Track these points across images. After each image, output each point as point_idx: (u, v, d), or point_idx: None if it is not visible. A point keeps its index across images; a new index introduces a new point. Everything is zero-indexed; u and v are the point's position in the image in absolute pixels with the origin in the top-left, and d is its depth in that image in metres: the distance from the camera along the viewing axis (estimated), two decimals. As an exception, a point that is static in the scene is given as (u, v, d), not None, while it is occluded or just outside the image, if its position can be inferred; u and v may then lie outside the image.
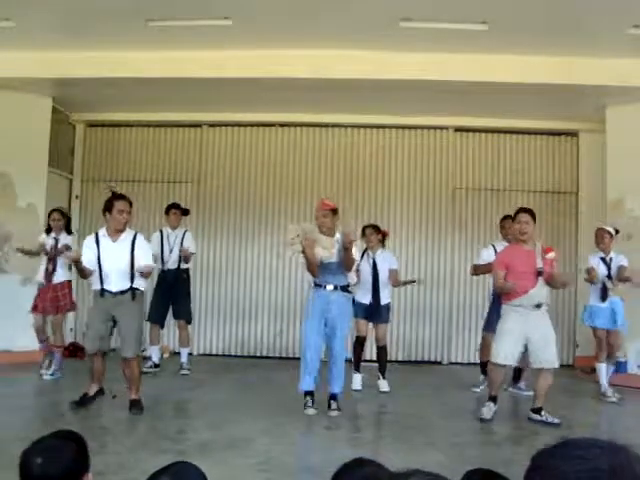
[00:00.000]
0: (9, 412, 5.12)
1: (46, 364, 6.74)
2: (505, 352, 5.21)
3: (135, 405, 5.24)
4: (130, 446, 4.23)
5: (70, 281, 6.95)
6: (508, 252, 5.56)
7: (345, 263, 5.31)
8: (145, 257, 5.32)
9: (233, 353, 8.69)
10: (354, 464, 1.57)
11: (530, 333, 5.17)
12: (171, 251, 7.20)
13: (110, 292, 5.24)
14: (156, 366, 7.21)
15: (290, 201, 8.78)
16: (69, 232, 6.99)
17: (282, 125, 8.87)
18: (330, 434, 4.92)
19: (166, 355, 8.30)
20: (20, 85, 7.27)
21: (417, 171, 8.80)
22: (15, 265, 7.41)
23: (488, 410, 5.27)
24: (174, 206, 7.41)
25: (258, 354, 8.66)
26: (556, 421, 5.11)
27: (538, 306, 5.19)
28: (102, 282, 5.23)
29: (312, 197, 8.63)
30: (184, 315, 7.34)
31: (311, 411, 5.37)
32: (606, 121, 7.54)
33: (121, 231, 5.29)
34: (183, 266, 7.23)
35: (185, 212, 7.48)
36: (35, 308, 6.75)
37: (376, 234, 6.64)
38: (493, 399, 5.35)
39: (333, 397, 5.49)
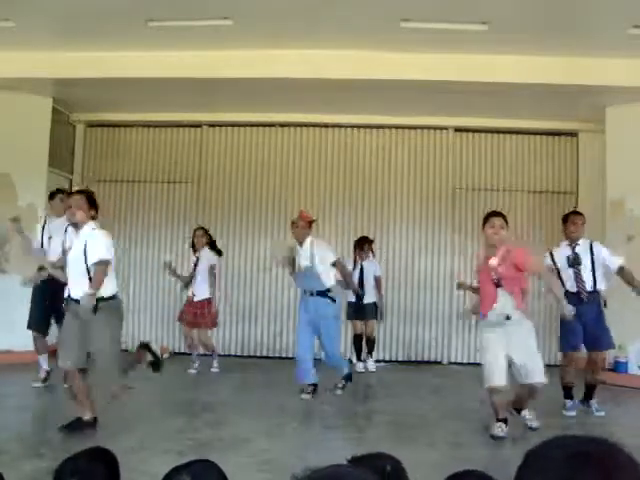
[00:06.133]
0: (9, 412, 5.12)
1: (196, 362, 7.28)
2: (499, 374, 4.74)
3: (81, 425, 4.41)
4: (130, 446, 4.22)
5: (210, 299, 7.19)
6: (482, 261, 4.93)
7: (344, 279, 6.31)
8: (95, 251, 4.33)
9: (233, 353, 8.69)
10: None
11: (511, 349, 4.72)
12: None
13: (73, 300, 4.39)
14: (44, 380, 6.04)
15: (290, 201, 8.77)
16: (215, 250, 7.29)
17: (282, 125, 8.87)
18: (330, 434, 4.93)
19: (166, 355, 8.31)
20: (20, 85, 7.27)
21: (417, 171, 8.80)
22: (15, 265, 7.41)
23: (500, 430, 4.75)
24: (60, 191, 6.14)
25: (258, 354, 8.66)
26: (534, 425, 4.85)
27: (508, 318, 4.72)
28: (69, 288, 4.44)
29: (312, 197, 8.65)
30: None
31: (305, 396, 5.97)
32: (606, 121, 7.53)
33: (76, 224, 4.50)
34: None
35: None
36: (180, 318, 7.36)
37: (369, 247, 7.77)
38: (503, 421, 4.81)
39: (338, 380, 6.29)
